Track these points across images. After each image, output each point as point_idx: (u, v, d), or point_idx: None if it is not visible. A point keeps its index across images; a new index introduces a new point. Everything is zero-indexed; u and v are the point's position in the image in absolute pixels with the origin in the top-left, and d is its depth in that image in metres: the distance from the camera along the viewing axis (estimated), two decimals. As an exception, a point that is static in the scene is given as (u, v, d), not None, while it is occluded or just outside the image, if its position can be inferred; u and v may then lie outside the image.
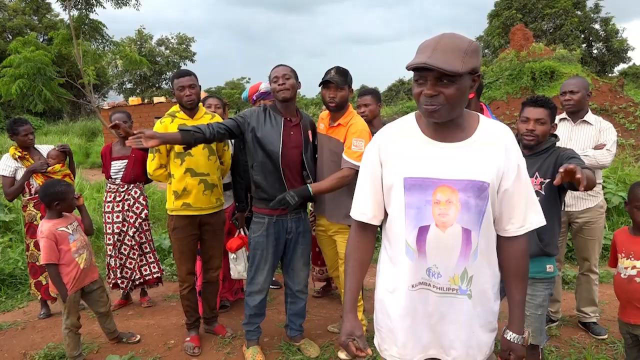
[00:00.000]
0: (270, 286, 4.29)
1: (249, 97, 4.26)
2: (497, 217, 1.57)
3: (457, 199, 1.47)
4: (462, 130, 1.52)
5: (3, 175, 4.12)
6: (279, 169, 2.97)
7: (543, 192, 2.48)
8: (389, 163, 1.58)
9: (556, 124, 2.65)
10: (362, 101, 3.67)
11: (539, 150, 2.58)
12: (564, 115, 3.53)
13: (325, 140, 3.19)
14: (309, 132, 3.16)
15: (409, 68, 1.42)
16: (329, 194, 3.09)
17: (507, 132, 1.56)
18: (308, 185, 2.96)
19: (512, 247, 1.60)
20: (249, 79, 38.85)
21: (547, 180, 2.48)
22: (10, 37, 28.38)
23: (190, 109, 3.28)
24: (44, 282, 4.20)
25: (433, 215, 1.49)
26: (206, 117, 3.35)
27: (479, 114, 1.60)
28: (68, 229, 3.20)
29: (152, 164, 3.26)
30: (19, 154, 4.14)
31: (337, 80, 3.06)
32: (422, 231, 1.51)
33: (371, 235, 1.73)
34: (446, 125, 1.51)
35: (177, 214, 3.28)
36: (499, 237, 1.61)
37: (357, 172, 2.94)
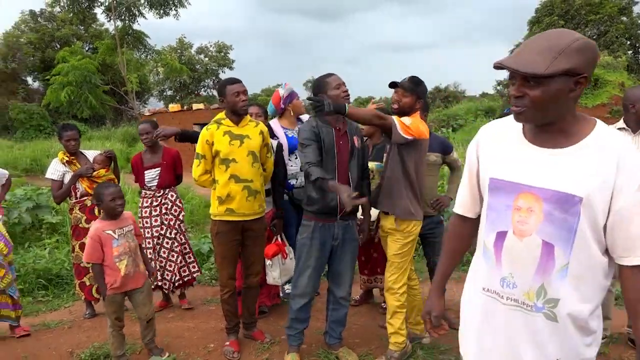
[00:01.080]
0: None
1: (277, 107, 4.17)
2: (610, 241, 1.37)
3: (540, 208, 1.38)
4: (566, 136, 1.39)
5: (52, 179, 4.28)
6: (335, 178, 3.00)
7: None
8: (484, 161, 1.57)
9: None
10: None
11: None
12: (621, 124, 3.39)
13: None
14: (355, 137, 3.18)
15: (494, 67, 1.39)
16: (396, 192, 3.11)
17: (625, 144, 1.36)
18: (347, 104, 2.96)
19: (634, 277, 1.37)
20: (284, 86, 39.22)
21: None
22: (58, 47, 29.56)
23: (242, 115, 3.34)
24: (87, 283, 4.33)
25: (512, 222, 1.44)
26: (251, 124, 3.40)
27: (598, 120, 1.43)
28: (115, 233, 3.24)
29: (197, 169, 3.32)
30: (67, 159, 4.29)
31: (405, 85, 3.12)
32: (500, 237, 1.47)
33: (470, 228, 1.73)
34: (546, 128, 1.41)
35: (220, 219, 3.33)
36: (619, 265, 1.40)
37: (391, 126, 2.96)
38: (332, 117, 3.07)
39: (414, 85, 3.13)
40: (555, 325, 1.40)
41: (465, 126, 18.51)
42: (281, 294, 4.40)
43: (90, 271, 4.26)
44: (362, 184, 3.26)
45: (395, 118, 3.02)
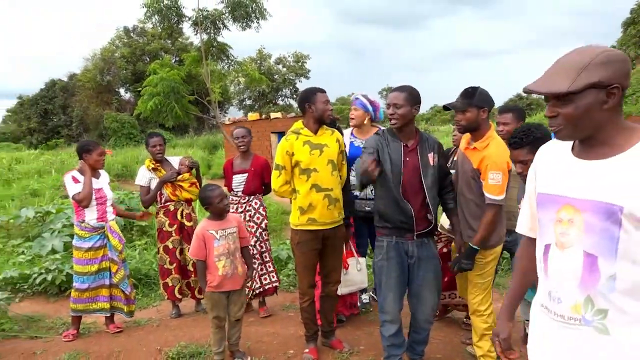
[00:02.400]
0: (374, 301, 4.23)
1: None
2: None
3: (580, 219, 1.38)
4: (610, 147, 1.39)
5: (140, 185, 4.55)
6: (401, 197, 2.92)
7: None
8: (537, 177, 1.60)
9: None
10: (502, 119, 3.50)
11: None
12: None
13: (464, 159, 3.10)
14: (430, 154, 3.02)
15: (524, 92, 1.47)
16: (462, 216, 3.07)
17: None
18: (470, 244, 2.96)
19: None
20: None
21: None
22: (148, 60, 31.59)
23: (326, 124, 3.44)
24: (170, 284, 4.53)
25: (555, 234, 1.46)
26: (327, 133, 3.44)
27: None
28: (217, 233, 3.38)
29: (277, 180, 3.38)
30: (153, 166, 4.54)
31: (455, 104, 2.98)
32: (546, 249, 1.50)
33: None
34: (589, 142, 1.43)
35: (302, 228, 3.37)
36: None
37: (501, 206, 2.88)
38: (402, 132, 3.00)
39: (468, 98, 2.92)
40: (608, 338, 1.35)
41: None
42: (359, 304, 4.37)
43: (173, 272, 4.51)
44: (447, 197, 3.15)
45: (493, 195, 2.88)
